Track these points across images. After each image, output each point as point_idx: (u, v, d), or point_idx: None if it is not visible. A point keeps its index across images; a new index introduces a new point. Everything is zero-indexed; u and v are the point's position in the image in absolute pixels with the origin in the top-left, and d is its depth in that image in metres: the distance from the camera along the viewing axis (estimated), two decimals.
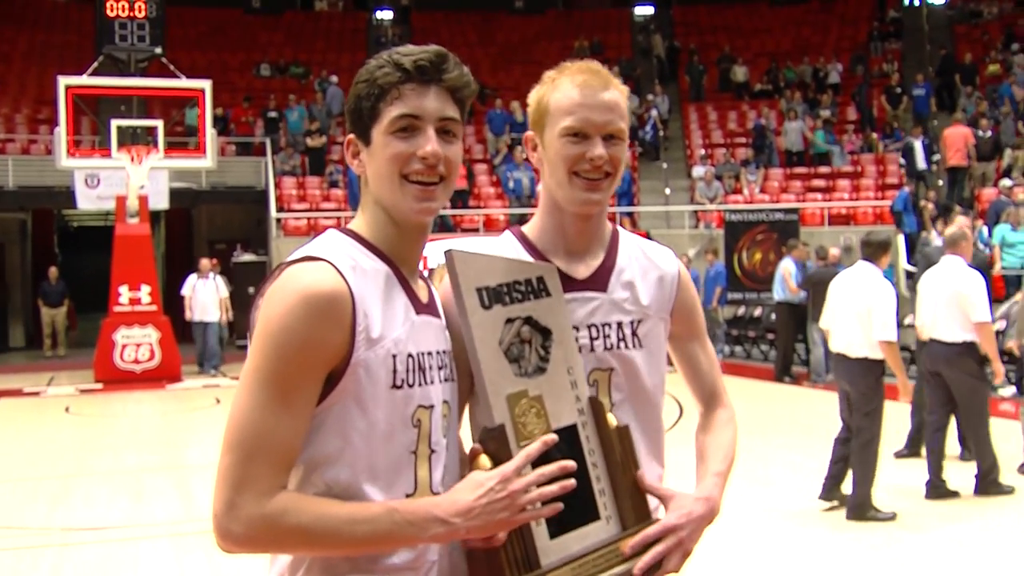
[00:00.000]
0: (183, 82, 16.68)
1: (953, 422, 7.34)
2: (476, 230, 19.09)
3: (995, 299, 10.79)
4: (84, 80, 16.15)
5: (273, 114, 21.89)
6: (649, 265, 1.98)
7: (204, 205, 21.96)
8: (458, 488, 1.60)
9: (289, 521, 1.51)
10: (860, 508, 6.38)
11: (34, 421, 11.75)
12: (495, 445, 1.64)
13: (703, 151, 22.24)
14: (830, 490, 6.71)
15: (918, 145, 19.49)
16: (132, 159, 15.41)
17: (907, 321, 10.25)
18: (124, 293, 15.17)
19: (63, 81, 15.56)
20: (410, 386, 1.63)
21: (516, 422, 1.68)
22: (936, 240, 13.75)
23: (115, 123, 15.78)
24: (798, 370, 13.81)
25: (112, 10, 16.89)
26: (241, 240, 20.96)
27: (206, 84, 16.20)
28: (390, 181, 1.65)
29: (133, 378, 14.78)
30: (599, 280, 1.92)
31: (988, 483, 6.95)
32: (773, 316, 14.74)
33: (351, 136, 1.72)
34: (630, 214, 20.02)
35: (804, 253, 14.08)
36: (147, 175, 15.68)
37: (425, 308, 1.72)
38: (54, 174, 17.94)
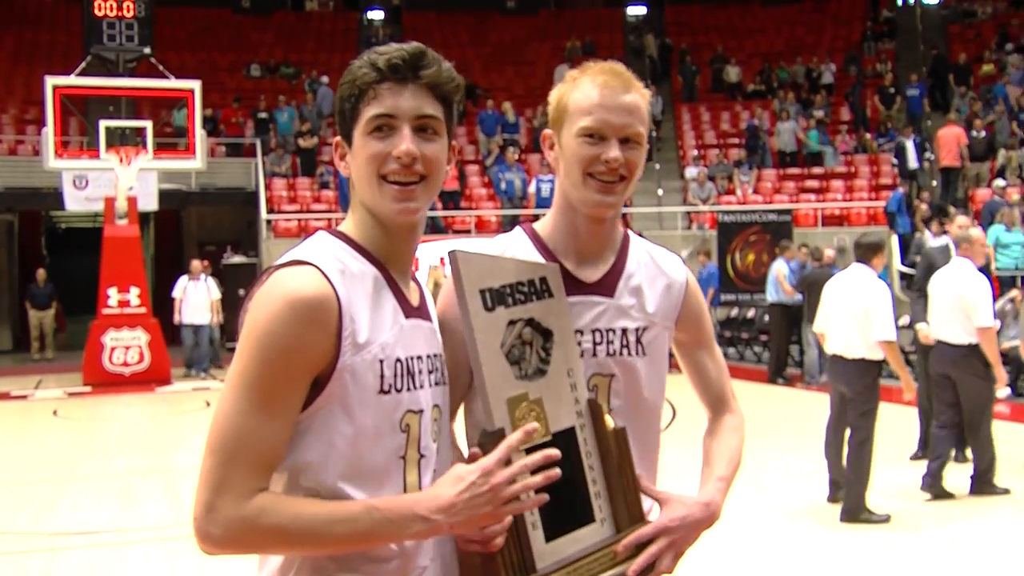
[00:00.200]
0: (172, 82, 16.58)
1: None
2: (468, 231, 19.03)
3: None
4: (72, 80, 16.05)
5: (263, 115, 21.80)
6: (657, 272, 1.97)
7: (194, 206, 21.85)
8: (439, 483, 1.57)
9: (266, 521, 1.49)
10: (854, 510, 6.37)
11: (22, 425, 11.65)
12: (494, 448, 1.61)
13: (696, 152, 22.23)
14: (837, 492, 6.72)
15: (910, 145, 19.51)
16: (121, 160, 15.33)
17: (902, 322, 10.23)
18: (113, 295, 15.06)
19: (51, 81, 15.46)
20: (398, 391, 1.60)
21: (516, 426, 1.66)
22: (931, 241, 13.73)
23: (103, 124, 15.68)
24: (792, 372, 13.79)
25: (100, 9, 16.77)
26: (231, 242, 20.87)
27: (195, 84, 16.11)
28: (369, 182, 1.64)
29: (122, 381, 14.67)
30: (607, 285, 1.90)
31: (983, 483, 6.96)
32: (766, 317, 14.70)
33: (338, 139, 1.71)
34: (623, 215, 19.93)
35: (799, 254, 14.03)
36: (136, 176, 15.61)
37: (415, 311, 1.70)
38: (42, 175, 17.82)
